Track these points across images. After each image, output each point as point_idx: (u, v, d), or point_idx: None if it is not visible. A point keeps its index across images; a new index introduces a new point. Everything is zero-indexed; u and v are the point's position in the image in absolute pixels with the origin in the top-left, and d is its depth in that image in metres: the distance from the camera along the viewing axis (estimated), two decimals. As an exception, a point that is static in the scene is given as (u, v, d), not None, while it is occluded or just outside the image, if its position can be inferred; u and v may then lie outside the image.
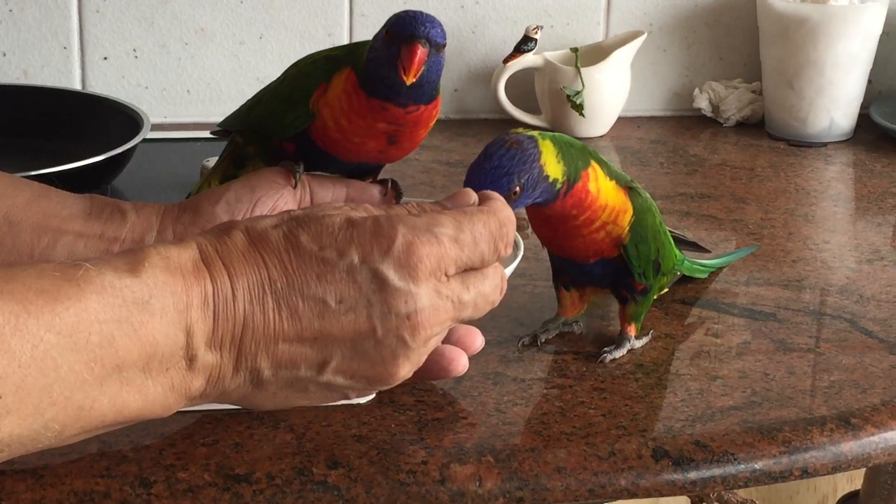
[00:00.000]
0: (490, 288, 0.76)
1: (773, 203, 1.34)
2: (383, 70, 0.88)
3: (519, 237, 0.92)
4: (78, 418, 0.64)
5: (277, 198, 0.89)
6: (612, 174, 0.94)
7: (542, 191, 0.89)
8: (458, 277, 0.74)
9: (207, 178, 1.02)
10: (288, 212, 0.73)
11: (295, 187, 0.90)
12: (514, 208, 0.89)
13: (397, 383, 0.74)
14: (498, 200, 0.78)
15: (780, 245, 1.22)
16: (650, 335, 1.01)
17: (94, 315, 0.63)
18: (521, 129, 0.90)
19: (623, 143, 1.54)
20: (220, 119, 1.50)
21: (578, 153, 0.91)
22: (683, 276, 1.11)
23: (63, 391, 0.63)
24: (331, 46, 1.51)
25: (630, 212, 0.94)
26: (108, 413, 0.65)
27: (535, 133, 0.90)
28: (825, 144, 1.55)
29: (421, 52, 0.86)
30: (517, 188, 0.87)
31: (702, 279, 1.12)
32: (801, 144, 1.55)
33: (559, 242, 0.96)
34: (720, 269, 1.14)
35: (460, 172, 1.40)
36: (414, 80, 0.86)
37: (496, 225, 0.75)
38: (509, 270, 0.87)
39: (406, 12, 0.88)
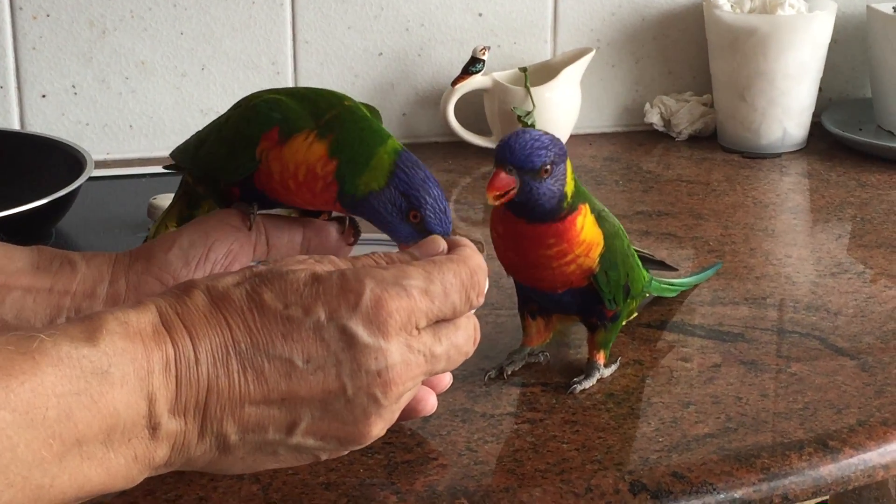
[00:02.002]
0: (463, 339, 0.73)
1: (731, 218, 1.33)
2: (385, 225, 0.86)
3: None
4: (37, 498, 0.60)
5: (232, 241, 0.86)
6: (594, 207, 0.93)
7: (554, 195, 0.88)
8: (429, 330, 0.71)
9: (163, 220, 0.99)
10: (250, 268, 0.70)
11: (250, 230, 0.87)
12: (531, 194, 0.87)
13: (370, 443, 0.71)
14: (468, 247, 0.75)
15: (742, 261, 1.21)
16: (618, 362, 0.99)
17: (50, 389, 0.60)
18: None
19: (576, 161, 1.52)
20: (164, 153, 1.50)
21: (581, 187, 0.92)
22: (654, 298, 1.09)
23: (20, 471, 0.59)
24: (274, 75, 1.49)
25: (601, 244, 0.93)
26: (69, 490, 0.62)
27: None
28: (779, 155, 1.54)
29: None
30: (549, 166, 0.87)
31: (671, 298, 1.10)
32: (755, 156, 1.53)
33: (526, 272, 0.94)
34: (691, 287, 1.13)
35: (413, 199, 1.38)
36: None
37: (467, 274, 0.73)
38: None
39: (435, 198, 0.85)
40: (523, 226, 0.90)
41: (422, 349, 0.70)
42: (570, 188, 0.89)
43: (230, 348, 0.66)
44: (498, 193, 0.87)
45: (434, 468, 0.84)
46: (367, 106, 0.90)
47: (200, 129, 0.97)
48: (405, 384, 0.69)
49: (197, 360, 0.65)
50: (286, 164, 0.86)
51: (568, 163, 0.89)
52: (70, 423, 0.61)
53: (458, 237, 0.78)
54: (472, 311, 0.78)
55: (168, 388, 0.64)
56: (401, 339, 0.69)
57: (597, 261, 0.92)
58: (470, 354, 0.74)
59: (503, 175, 0.87)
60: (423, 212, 0.84)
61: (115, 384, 0.62)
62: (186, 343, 0.65)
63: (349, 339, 0.67)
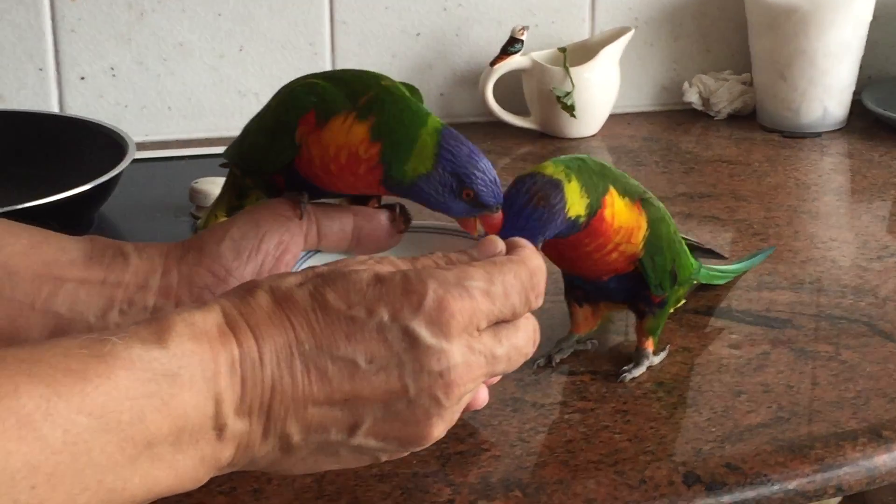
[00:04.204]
0: (523, 340, 0.73)
1: (774, 200, 1.32)
2: (434, 206, 0.85)
3: None
4: (109, 500, 0.60)
5: (283, 232, 0.86)
6: (625, 190, 0.91)
7: (566, 228, 0.87)
8: (489, 331, 0.71)
9: (213, 210, 0.99)
10: (312, 268, 0.70)
11: (301, 219, 0.87)
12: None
13: (431, 444, 0.71)
14: (527, 248, 0.75)
15: (786, 245, 1.20)
16: (667, 350, 0.99)
17: (124, 392, 0.60)
18: (548, 167, 0.87)
19: (615, 142, 1.52)
20: (203, 134, 1.50)
21: (599, 179, 0.89)
22: (701, 284, 1.08)
23: (95, 475, 0.59)
24: (312, 56, 1.49)
25: (644, 227, 0.91)
26: (139, 492, 0.62)
27: (561, 175, 0.87)
28: (819, 134, 1.53)
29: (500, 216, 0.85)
30: (543, 242, 0.86)
31: (720, 286, 1.10)
32: (795, 135, 1.52)
33: (570, 264, 0.94)
34: (741, 274, 1.12)
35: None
36: None
37: (527, 275, 0.73)
38: None
39: (484, 171, 0.83)
40: (556, 239, 0.89)
41: (483, 350, 0.70)
42: (579, 211, 0.87)
43: (294, 348, 0.66)
44: None
45: (487, 459, 0.84)
46: (406, 85, 0.90)
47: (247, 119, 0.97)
48: (466, 385, 0.69)
49: (262, 360, 0.65)
50: (326, 148, 0.86)
51: (572, 195, 0.86)
52: (142, 425, 0.61)
53: (517, 238, 0.77)
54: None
55: (234, 388, 0.64)
56: (462, 341, 0.69)
57: (641, 245, 0.91)
58: (530, 356, 0.74)
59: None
60: (476, 188, 0.83)
61: (184, 386, 0.62)
62: (251, 343, 0.65)
63: (412, 340, 0.67)
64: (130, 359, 0.61)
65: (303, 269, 0.71)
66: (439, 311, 0.68)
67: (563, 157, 0.89)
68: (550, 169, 0.87)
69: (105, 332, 0.62)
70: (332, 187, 0.88)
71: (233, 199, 0.98)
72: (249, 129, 0.94)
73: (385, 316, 0.67)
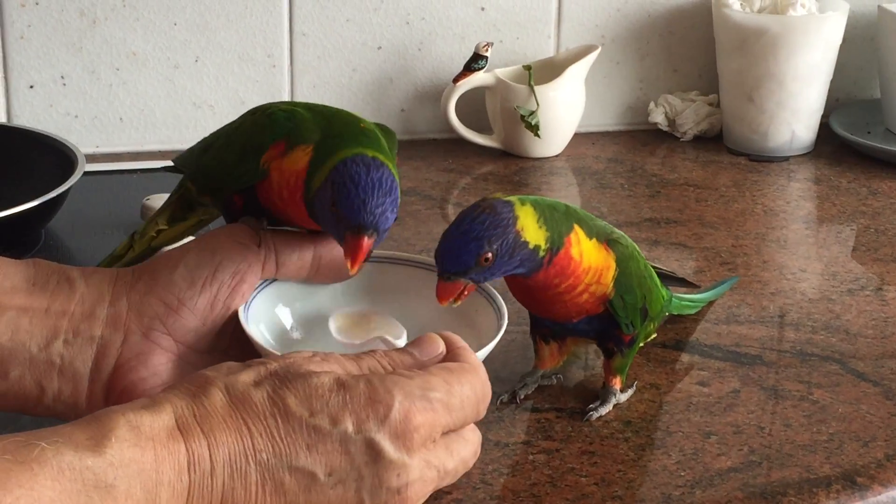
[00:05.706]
0: (470, 454, 0.72)
1: (742, 227, 1.29)
2: (325, 227, 0.81)
3: (503, 304, 0.86)
4: None
5: (240, 261, 0.82)
6: (592, 231, 0.88)
7: (523, 258, 0.83)
8: (442, 443, 0.70)
9: (154, 218, 0.95)
10: (265, 364, 0.68)
11: (259, 246, 0.83)
12: (489, 279, 0.83)
13: None
14: (470, 353, 0.74)
15: (755, 275, 1.17)
16: (635, 387, 0.95)
17: None
18: (498, 195, 0.84)
19: (579, 162, 1.48)
20: (155, 147, 1.46)
21: (562, 217, 0.86)
22: (672, 315, 1.05)
23: None
24: (270, 68, 1.45)
25: (613, 268, 0.88)
26: None
27: (513, 198, 0.84)
28: (787, 158, 1.50)
29: (367, 243, 0.78)
30: (488, 254, 0.81)
31: (686, 315, 1.07)
32: (762, 159, 1.50)
33: (538, 307, 0.91)
34: (711, 303, 1.09)
35: (413, 201, 1.34)
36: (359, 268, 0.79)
37: (480, 386, 0.72)
38: (493, 343, 0.82)
39: (357, 186, 0.78)
40: (521, 280, 0.86)
41: (437, 465, 0.69)
42: (536, 239, 0.83)
43: (250, 457, 0.63)
44: (450, 301, 0.83)
45: (448, 503, 0.80)
46: (382, 127, 0.86)
47: (206, 135, 0.93)
48: (418, 501, 0.68)
49: (213, 470, 0.62)
50: (283, 175, 0.82)
51: (525, 217, 0.83)
52: None
53: (450, 334, 0.75)
54: (497, 339, 0.79)
55: (177, 499, 0.61)
56: (422, 456, 0.68)
57: (611, 286, 0.88)
58: (469, 468, 0.73)
59: (445, 285, 0.82)
60: (339, 198, 0.78)
61: (118, 499, 0.58)
62: (203, 451, 0.62)
63: (375, 454, 0.66)
64: (59, 467, 0.57)
65: (255, 364, 0.68)
66: (405, 424, 0.66)
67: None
68: (499, 195, 0.84)
69: (37, 432, 0.58)
70: (285, 217, 0.85)
71: (177, 211, 0.94)
72: (214, 143, 0.90)
73: (350, 426, 0.65)
